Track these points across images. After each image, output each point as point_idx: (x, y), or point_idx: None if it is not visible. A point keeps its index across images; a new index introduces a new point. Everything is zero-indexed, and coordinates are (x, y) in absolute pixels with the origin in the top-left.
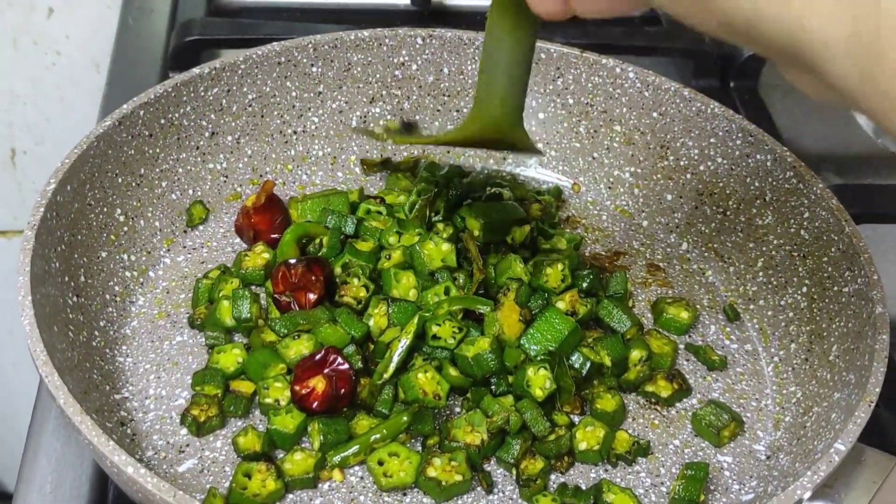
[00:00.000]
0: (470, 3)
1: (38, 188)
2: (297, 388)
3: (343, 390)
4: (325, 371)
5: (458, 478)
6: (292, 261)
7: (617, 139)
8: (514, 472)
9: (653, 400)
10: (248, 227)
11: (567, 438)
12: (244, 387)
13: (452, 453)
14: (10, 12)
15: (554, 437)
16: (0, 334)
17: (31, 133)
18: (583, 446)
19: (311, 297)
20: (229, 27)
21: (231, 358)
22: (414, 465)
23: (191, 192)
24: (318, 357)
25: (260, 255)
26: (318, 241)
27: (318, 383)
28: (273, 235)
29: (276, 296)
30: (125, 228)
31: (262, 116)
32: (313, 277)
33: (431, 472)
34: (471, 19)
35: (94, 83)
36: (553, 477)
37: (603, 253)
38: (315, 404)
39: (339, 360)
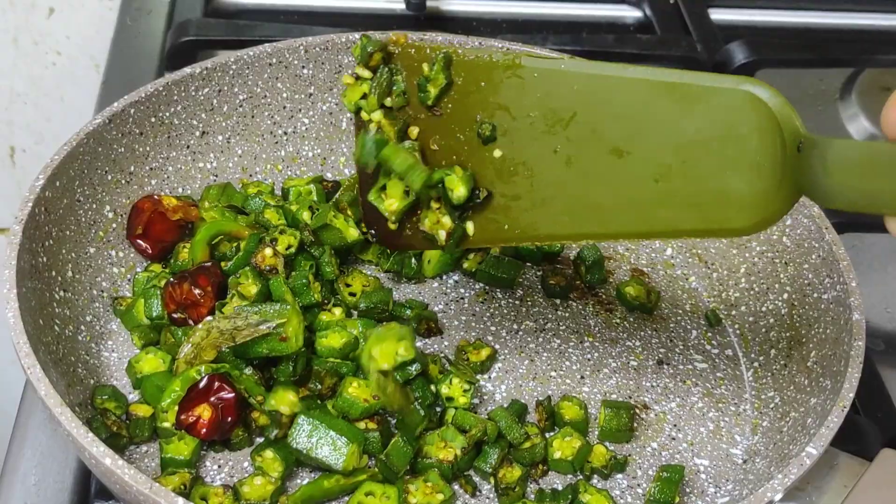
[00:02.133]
0: (464, 7)
1: None
2: (182, 416)
3: (230, 418)
4: (211, 399)
5: (440, 497)
6: (174, 280)
7: None
8: (493, 480)
9: (632, 402)
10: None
11: (542, 447)
12: (142, 410)
13: (426, 474)
14: (11, 12)
15: (529, 444)
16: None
17: (31, 132)
18: (557, 455)
19: (203, 311)
20: (225, 28)
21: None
22: (393, 499)
23: (180, 190)
24: (202, 385)
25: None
26: (234, 245)
27: (204, 412)
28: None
29: (169, 314)
30: (114, 225)
31: (253, 117)
32: (199, 291)
33: (413, 500)
34: (465, 24)
35: (94, 83)
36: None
37: None
38: (203, 431)
39: (225, 387)
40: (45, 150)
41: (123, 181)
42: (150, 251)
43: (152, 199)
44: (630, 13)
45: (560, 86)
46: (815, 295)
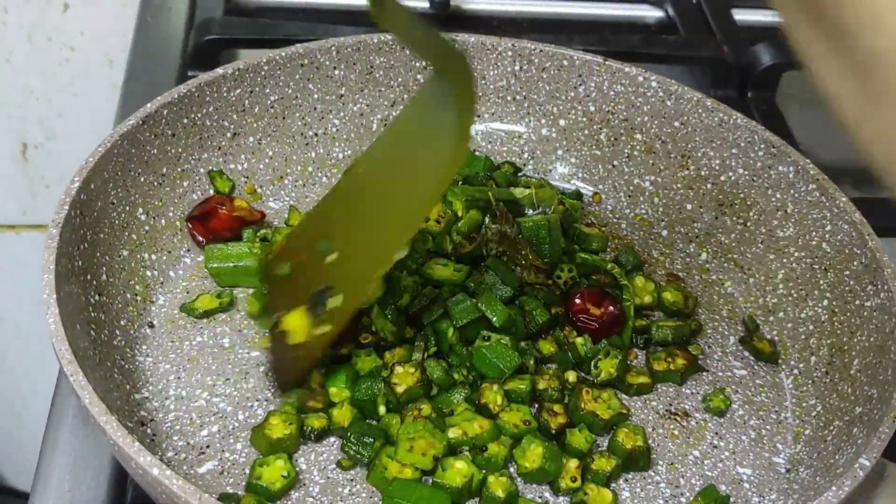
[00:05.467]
0: (486, 7)
1: (47, 183)
2: None
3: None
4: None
5: None
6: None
7: (638, 148)
8: None
9: (672, 410)
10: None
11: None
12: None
13: None
14: (26, 7)
15: None
16: (7, 327)
17: (43, 128)
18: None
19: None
20: (248, 27)
21: None
22: None
23: (212, 192)
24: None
25: None
26: None
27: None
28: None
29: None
30: (146, 228)
31: (284, 118)
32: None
33: None
34: (487, 23)
35: (108, 79)
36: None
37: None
38: None
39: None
40: (56, 147)
41: (156, 183)
42: (203, 241)
43: (230, 197)
44: (652, 13)
45: None
46: (857, 302)
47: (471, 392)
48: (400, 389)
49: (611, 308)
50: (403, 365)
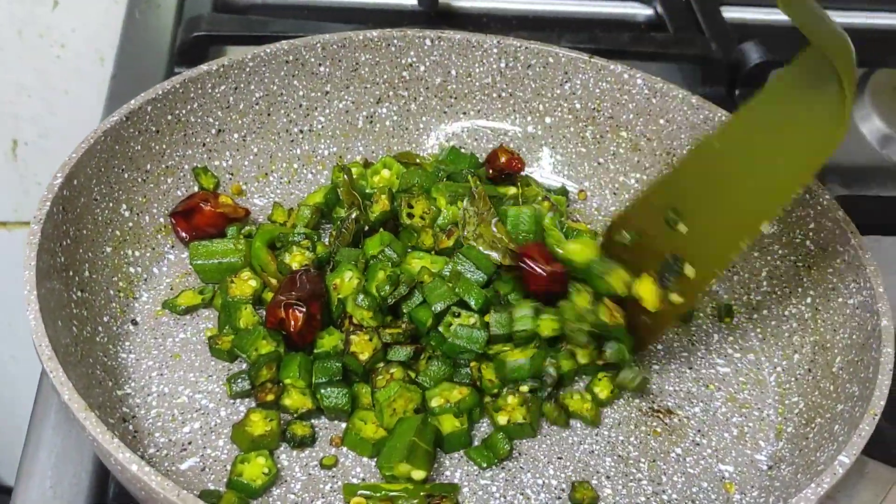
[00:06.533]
0: (476, 4)
1: (39, 180)
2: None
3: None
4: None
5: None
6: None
7: (623, 145)
8: None
9: (655, 407)
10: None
11: None
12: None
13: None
14: (17, 4)
15: None
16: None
17: (35, 125)
18: None
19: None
20: (236, 24)
21: None
22: None
23: (196, 188)
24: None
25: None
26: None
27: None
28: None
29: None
30: (130, 224)
31: (269, 115)
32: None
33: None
34: (476, 21)
35: (99, 76)
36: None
37: None
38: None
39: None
40: (48, 144)
41: (139, 179)
42: (186, 237)
43: (214, 194)
44: (641, 11)
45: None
46: (840, 300)
47: (447, 368)
48: (364, 357)
49: (559, 270)
50: (358, 333)
